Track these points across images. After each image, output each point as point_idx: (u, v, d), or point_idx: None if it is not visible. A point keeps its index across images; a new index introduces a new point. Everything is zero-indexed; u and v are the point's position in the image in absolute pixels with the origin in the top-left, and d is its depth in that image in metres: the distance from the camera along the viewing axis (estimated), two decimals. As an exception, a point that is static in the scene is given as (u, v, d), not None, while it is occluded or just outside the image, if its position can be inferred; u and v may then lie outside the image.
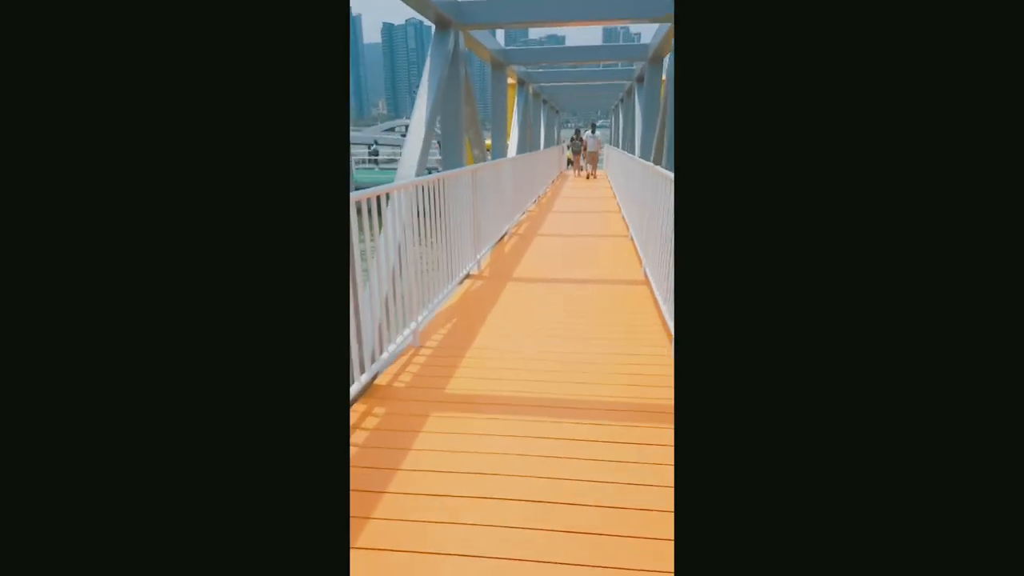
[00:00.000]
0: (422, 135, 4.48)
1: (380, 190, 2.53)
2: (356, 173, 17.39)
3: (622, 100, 15.84)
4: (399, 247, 2.91)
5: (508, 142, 10.39)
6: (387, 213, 2.82)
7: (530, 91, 11.97)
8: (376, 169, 19.66)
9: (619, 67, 12.85)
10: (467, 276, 4.43)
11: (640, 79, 10.76)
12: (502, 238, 5.99)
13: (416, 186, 3.12)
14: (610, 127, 20.73)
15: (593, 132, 16.08)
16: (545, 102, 16.22)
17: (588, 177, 15.87)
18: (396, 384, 2.58)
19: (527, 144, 12.11)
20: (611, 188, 11.13)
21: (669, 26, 6.55)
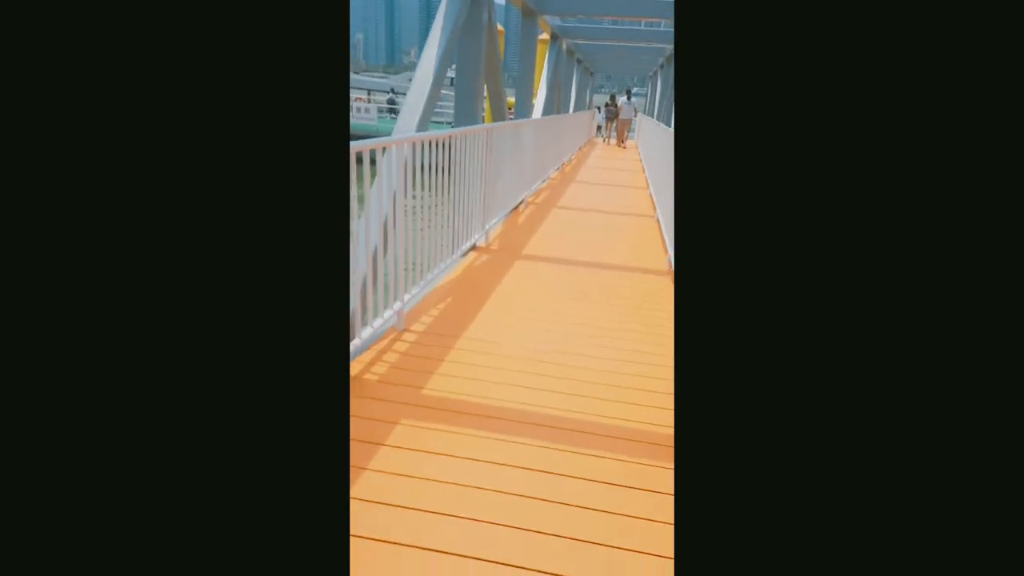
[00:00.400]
0: (428, 84, 3.85)
1: (375, 143, 2.03)
2: (377, 123, 16.56)
3: (661, 67, 14.70)
4: (385, 216, 2.40)
5: (534, 102, 9.62)
6: (379, 172, 2.33)
7: (563, 47, 11.06)
8: (391, 119, 18.73)
9: (662, 27, 11.84)
10: (472, 247, 3.93)
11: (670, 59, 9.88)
12: (517, 206, 5.48)
13: (414, 142, 2.55)
14: (646, 96, 18.91)
15: (629, 98, 15.23)
16: (579, 62, 15.17)
17: (619, 144, 15.35)
18: (367, 376, 2.15)
19: (555, 106, 11.28)
20: (641, 161, 10.39)
21: None
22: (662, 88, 14.37)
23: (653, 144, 7.28)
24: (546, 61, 10.70)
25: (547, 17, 8.83)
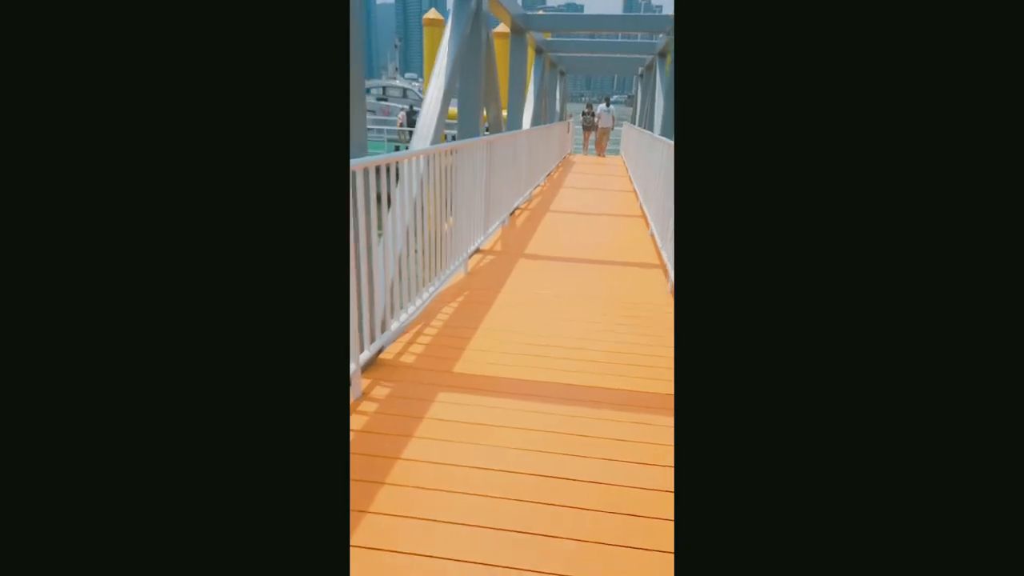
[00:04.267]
0: (440, 101, 4.25)
1: (391, 158, 2.35)
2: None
3: (641, 76, 14.74)
4: (407, 220, 2.74)
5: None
6: (397, 185, 2.65)
7: (547, 60, 11.56)
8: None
9: (639, 39, 12.38)
10: (477, 250, 4.26)
11: (663, 53, 10.39)
12: (512, 212, 5.81)
13: (428, 155, 2.94)
14: (635, 102, 16.80)
15: (608, 106, 14.81)
16: (561, 72, 15.36)
17: (599, 154, 14.84)
18: (403, 359, 2.46)
19: (542, 118, 11.76)
20: (629, 177, 9.67)
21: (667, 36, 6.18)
22: (643, 96, 13.77)
23: (642, 158, 6.96)
24: (532, 74, 11.15)
25: (532, 33, 9.32)
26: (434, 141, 4.17)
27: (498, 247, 4.50)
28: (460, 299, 3.25)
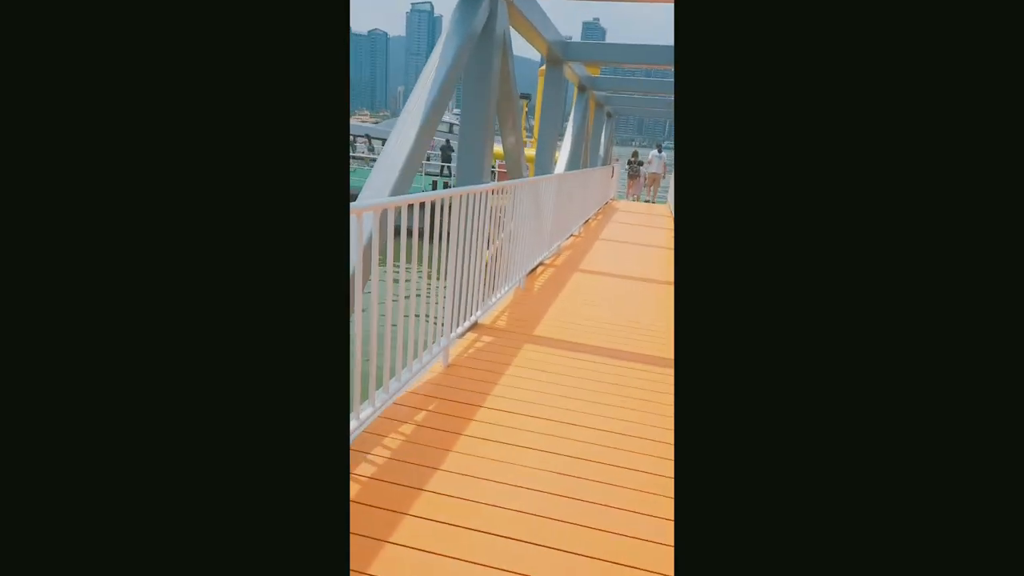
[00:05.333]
0: (413, 134, 3.01)
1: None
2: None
3: None
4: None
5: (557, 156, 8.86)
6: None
7: (591, 97, 10.38)
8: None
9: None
10: (474, 325, 3.15)
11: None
12: (535, 269, 4.77)
13: (386, 208, 1.99)
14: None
15: (660, 151, 14.25)
16: (608, 113, 14.28)
17: (649, 199, 14.31)
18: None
19: (582, 162, 10.48)
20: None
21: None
22: None
23: None
24: (574, 109, 10.01)
25: (571, 63, 8.14)
26: (396, 191, 2.90)
27: (502, 321, 3.35)
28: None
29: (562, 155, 9.05)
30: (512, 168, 5.46)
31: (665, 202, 14.18)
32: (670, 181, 13.18)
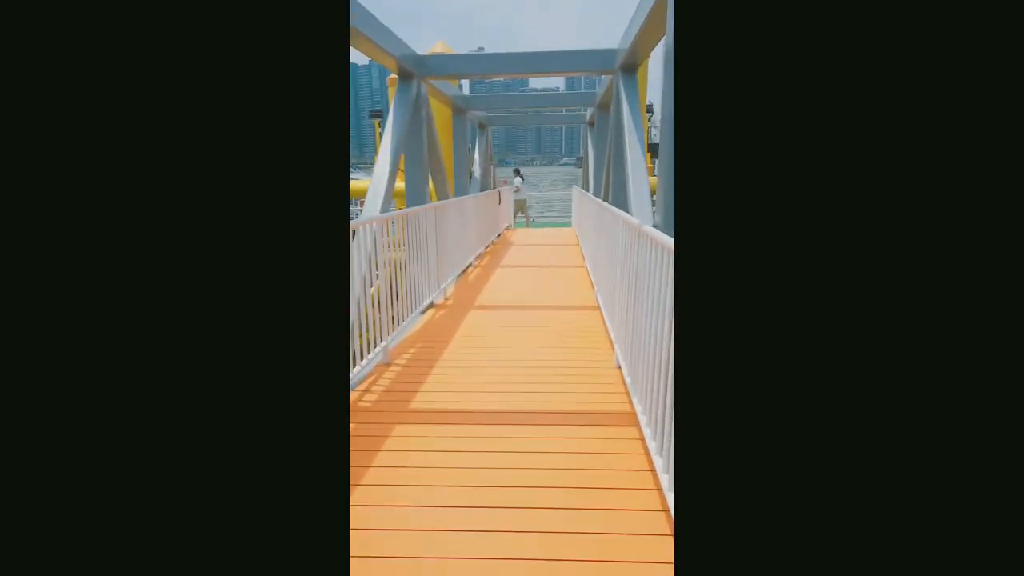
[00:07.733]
0: (386, 177, 4.89)
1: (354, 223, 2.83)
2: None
3: (592, 125, 10.64)
4: (364, 275, 3.22)
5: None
6: (352, 246, 3.16)
7: (489, 134, 12.32)
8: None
9: (580, 112, 13.09)
10: (431, 305, 4.73)
11: (591, 123, 11.32)
12: (466, 270, 6.23)
13: (383, 221, 3.52)
14: (584, 167, 11.94)
15: (521, 178, 13.20)
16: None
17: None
18: (362, 401, 2.78)
19: (487, 187, 12.24)
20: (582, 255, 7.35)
21: (609, 79, 6.93)
22: (596, 153, 9.60)
23: (599, 242, 4.68)
24: (476, 147, 11.67)
25: (473, 112, 10.07)
26: (383, 211, 4.77)
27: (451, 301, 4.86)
28: (417, 346, 3.56)
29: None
30: (440, 194, 7.38)
31: (571, 225, 11.58)
32: (575, 203, 10.13)
